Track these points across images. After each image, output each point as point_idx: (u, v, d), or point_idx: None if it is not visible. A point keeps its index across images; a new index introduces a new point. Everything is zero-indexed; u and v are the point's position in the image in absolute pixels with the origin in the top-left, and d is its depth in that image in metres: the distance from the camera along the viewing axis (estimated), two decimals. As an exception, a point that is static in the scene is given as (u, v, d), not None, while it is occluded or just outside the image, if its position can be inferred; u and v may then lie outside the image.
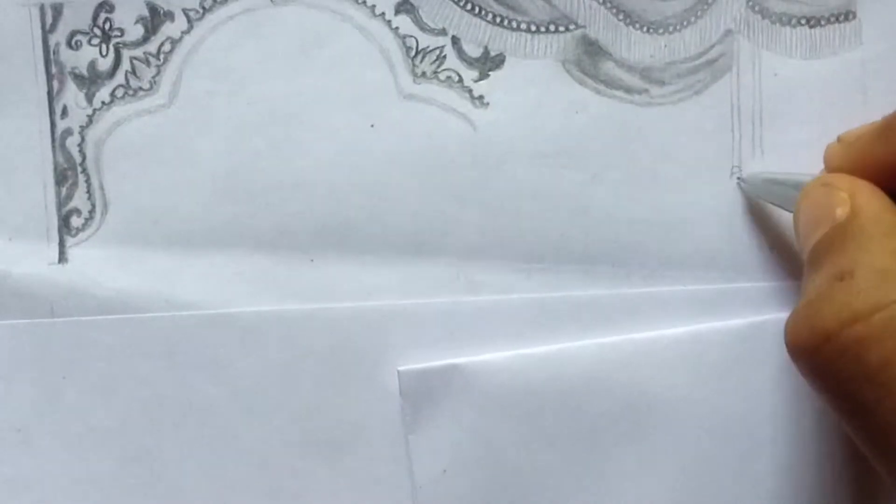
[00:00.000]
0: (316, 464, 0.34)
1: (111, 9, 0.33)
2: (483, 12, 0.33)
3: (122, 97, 0.34)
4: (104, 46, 0.34)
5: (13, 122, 0.34)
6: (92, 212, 0.34)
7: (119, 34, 0.34)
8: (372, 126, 0.33)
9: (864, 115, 0.33)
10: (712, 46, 0.33)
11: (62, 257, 0.34)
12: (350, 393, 0.34)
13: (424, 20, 0.33)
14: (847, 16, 0.33)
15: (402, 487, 0.33)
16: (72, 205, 0.34)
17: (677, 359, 0.33)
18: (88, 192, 0.34)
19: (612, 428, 0.33)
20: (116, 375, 0.34)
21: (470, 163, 0.33)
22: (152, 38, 0.34)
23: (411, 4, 0.33)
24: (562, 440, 0.33)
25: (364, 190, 0.33)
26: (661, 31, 0.33)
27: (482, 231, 0.33)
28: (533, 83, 0.33)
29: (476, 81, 0.33)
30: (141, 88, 0.34)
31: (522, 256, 0.33)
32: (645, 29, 0.33)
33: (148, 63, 0.34)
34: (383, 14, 0.33)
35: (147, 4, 0.33)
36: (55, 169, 0.34)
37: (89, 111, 0.34)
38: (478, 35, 0.33)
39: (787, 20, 0.33)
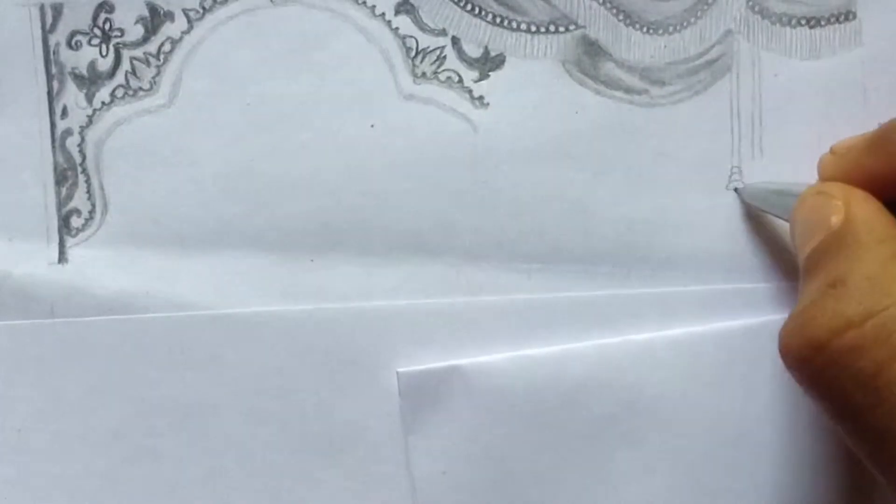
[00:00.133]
0: (315, 464, 0.34)
1: (111, 9, 0.33)
2: (483, 12, 0.33)
3: (122, 97, 0.34)
4: (104, 46, 0.34)
5: (13, 122, 0.34)
6: (92, 212, 0.34)
7: (119, 34, 0.34)
8: (372, 126, 0.33)
9: (864, 115, 0.33)
10: (712, 47, 0.33)
11: (62, 257, 0.34)
12: (350, 393, 0.34)
13: (424, 20, 0.33)
14: (847, 16, 0.33)
15: (402, 488, 0.33)
16: (72, 205, 0.34)
17: (677, 360, 0.33)
18: (88, 192, 0.34)
19: (611, 429, 0.33)
20: (116, 375, 0.34)
21: (470, 163, 0.33)
22: (152, 38, 0.34)
23: (411, 5, 0.33)
24: (561, 441, 0.33)
25: (364, 190, 0.33)
26: (660, 31, 0.33)
27: (482, 231, 0.33)
28: (533, 83, 0.33)
29: (476, 82, 0.33)
30: (141, 88, 0.34)
31: (522, 256, 0.33)
32: (645, 29, 0.33)
33: (148, 63, 0.34)
34: (383, 14, 0.33)
35: (147, 4, 0.33)
36: (55, 169, 0.34)
37: (89, 111, 0.34)
38: (478, 35, 0.33)
39: (787, 20, 0.33)
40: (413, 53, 0.33)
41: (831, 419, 0.26)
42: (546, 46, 0.33)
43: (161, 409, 0.34)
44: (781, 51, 0.33)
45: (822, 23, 0.33)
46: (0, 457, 0.34)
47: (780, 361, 0.32)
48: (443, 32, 0.33)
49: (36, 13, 0.34)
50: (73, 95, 0.34)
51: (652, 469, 0.33)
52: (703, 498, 0.33)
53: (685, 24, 0.33)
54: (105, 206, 0.34)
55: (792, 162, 0.33)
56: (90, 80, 0.34)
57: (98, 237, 0.34)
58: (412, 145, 0.33)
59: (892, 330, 0.24)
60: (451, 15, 0.33)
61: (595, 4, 0.33)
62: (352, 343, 0.33)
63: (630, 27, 0.33)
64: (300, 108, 0.33)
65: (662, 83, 0.33)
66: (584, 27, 0.33)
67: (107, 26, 0.34)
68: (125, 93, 0.34)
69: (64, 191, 0.34)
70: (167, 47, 0.34)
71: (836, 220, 0.27)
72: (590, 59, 0.33)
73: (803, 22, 0.33)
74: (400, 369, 0.33)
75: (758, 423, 0.33)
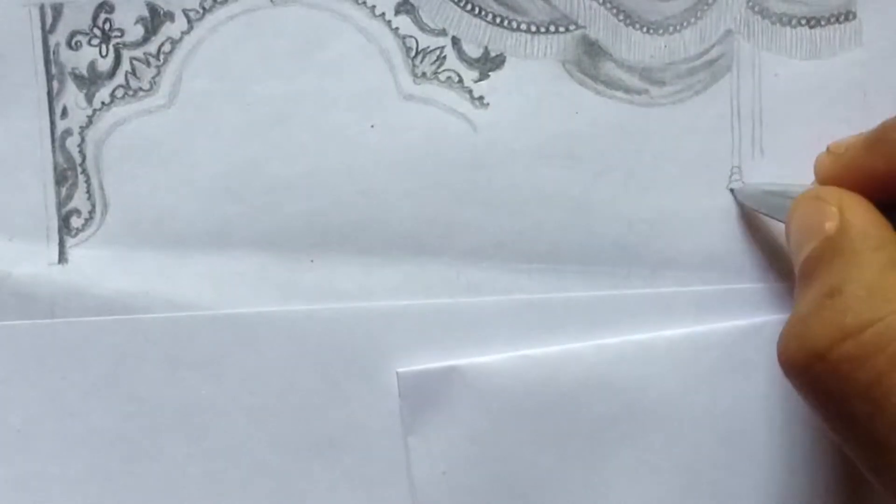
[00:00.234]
0: (314, 464, 0.34)
1: (111, 9, 0.33)
2: (483, 12, 0.33)
3: (122, 97, 0.34)
4: (104, 47, 0.34)
5: (13, 122, 0.34)
6: (92, 212, 0.34)
7: (119, 34, 0.34)
8: (372, 126, 0.33)
9: (864, 115, 0.33)
10: (712, 47, 0.33)
11: (62, 257, 0.34)
12: (349, 393, 0.34)
13: (424, 20, 0.33)
14: (847, 16, 0.33)
15: (401, 489, 0.33)
16: (72, 205, 0.34)
17: (676, 360, 0.33)
18: (88, 192, 0.34)
19: (611, 429, 0.33)
20: (116, 375, 0.34)
21: (470, 163, 0.33)
22: (152, 38, 0.34)
23: (411, 5, 0.33)
24: (561, 441, 0.33)
25: (364, 190, 0.33)
26: (661, 31, 0.33)
27: (482, 231, 0.33)
28: (533, 83, 0.33)
29: (476, 82, 0.33)
30: (141, 89, 0.34)
31: (522, 256, 0.33)
32: (645, 29, 0.33)
33: (148, 63, 0.34)
34: (383, 14, 0.33)
35: (147, 5, 0.33)
36: (55, 169, 0.34)
37: (89, 111, 0.34)
38: (478, 35, 0.33)
39: (787, 20, 0.33)
40: (413, 53, 0.33)
41: (830, 428, 0.26)
42: (546, 46, 0.33)
43: (161, 409, 0.34)
44: (781, 51, 0.33)
45: (822, 23, 0.33)
46: (0, 457, 0.34)
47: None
48: (443, 32, 0.33)
49: (36, 13, 0.34)
50: (73, 95, 0.34)
51: (651, 469, 0.33)
52: (703, 498, 0.33)
53: (685, 24, 0.33)
54: (105, 206, 0.34)
55: (792, 162, 0.33)
56: (90, 81, 0.34)
57: (98, 237, 0.34)
58: (412, 145, 0.33)
59: (891, 339, 0.24)
60: (451, 15, 0.33)
61: (595, 4, 0.33)
62: (352, 343, 0.33)
63: (630, 27, 0.33)
64: (300, 108, 0.33)
65: (662, 83, 0.33)
66: (584, 27, 0.33)
67: (107, 26, 0.34)
68: (125, 93, 0.34)
69: (64, 191, 0.34)
70: (167, 47, 0.34)
71: (830, 226, 0.27)
72: (590, 59, 0.33)
73: (803, 22, 0.33)
74: (400, 369, 0.33)
75: (757, 423, 0.33)
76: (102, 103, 0.34)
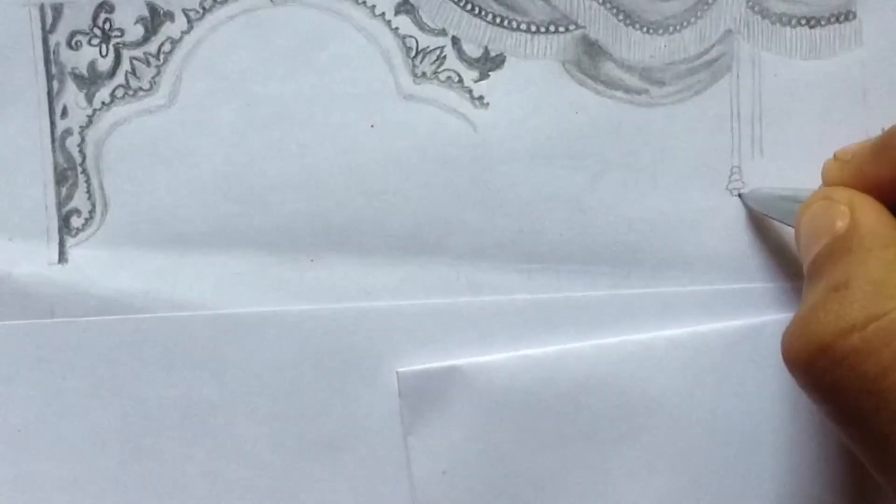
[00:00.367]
0: (315, 464, 0.34)
1: (111, 9, 0.33)
2: (483, 12, 0.33)
3: (122, 97, 0.34)
4: (104, 46, 0.34)
5: (13, 122, 0.34)
6: (92, 212, 0.34)
7: (119, 34, 0.34)
8: (372, 126, 0.33)
9: (863, 114, 0.33)
10: (712, 47, 0.33)
11: (62, 257, 0.34)
12: (350, 393, 0.34)
13: (424, 20, 0.33)
14: (847, 16, 0.33)
15: (402, 488, 0.33)
16: (72, 205, 0.34)
17: (676, 360, 0.33)
18: (88, 192, 0.34)
19: (611, 429, 0.33)
20: (116, 375, 0.34)
21: (470, 163, 0.33)
22: (152, 38, 0.34)
23: (411, 4, 0.33)
24: (561, 441, 0.33)
25: (364, 190, 0.33)
26: (660, 31, 0.33)
27: (482, 231, 0.33)
28: (533, 83, 0.33)
29: (476, 82, 0.33)
30: (141, 89, 0.34)
31: (522, 256, 0.33)
32: (645, 29, 0.33)
33: (148, 63, 0.34)
34: (383, 14, 0.33)
35: (147, 4, 0.33)
36: (55, 169, 0.34)
37: (89, 111, 0.34)
38: (478, 35, 0.33)
39: (787, 20, 0.33)
40: (413, 53, 0.33)
41: (834, 423, 0.26)
42: (546, 46, 0.33)
43: (161, 409, 0.34)
44: (781, 51, 0.33)
45: (822, 23, 0.33)
46: (0, 457, 0.34)
47: (779, 361, 0.32)
48: (443, 32, 0.33)
49: (36, 13, 0.34)
50: (73, 95, 0.34)
51: (651, 469, 0.33)
52: (703, 497, 0.33)
53: (685, 23, 0.33)
54: (105, 206, 0.34)
55: (792, 161, 0.33)
56: (90, 80, 0.34)
57: (98, 237, 0.34)
58: (412, 145, 0.33)
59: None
60: (451, 15, 0.33)
61: (595, 4, 0.33)
62: (352, 343, 0.33)
63: (630, 27, 0.33)
64: (300, 108, 0.33)
65: (662, 83, 0.33)
66: (584, 27, 0.33)
67: (107, 26, 0.34)
68: (125, 93, 0.34)
69: (64, 191, 0.34)
70: (167, 47, 0.34)
71: (841, 224, 0.27)
72: (590, 59, 0.33)
73: (803, 22, 0.33)
74: (400, 369, 0.33)
75: (757, 423, 0.33)
76: (102, 103, 0.34)
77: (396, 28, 0.33)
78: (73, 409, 0.34)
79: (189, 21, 0.33)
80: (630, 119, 0.33)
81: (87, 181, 0.34)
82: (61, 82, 0.34)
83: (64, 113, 0.34)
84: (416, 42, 0.33)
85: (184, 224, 0.34)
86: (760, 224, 0.33)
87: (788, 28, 0.33)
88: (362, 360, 0.33)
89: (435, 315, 0.33)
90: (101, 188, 0.34)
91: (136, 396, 0.34)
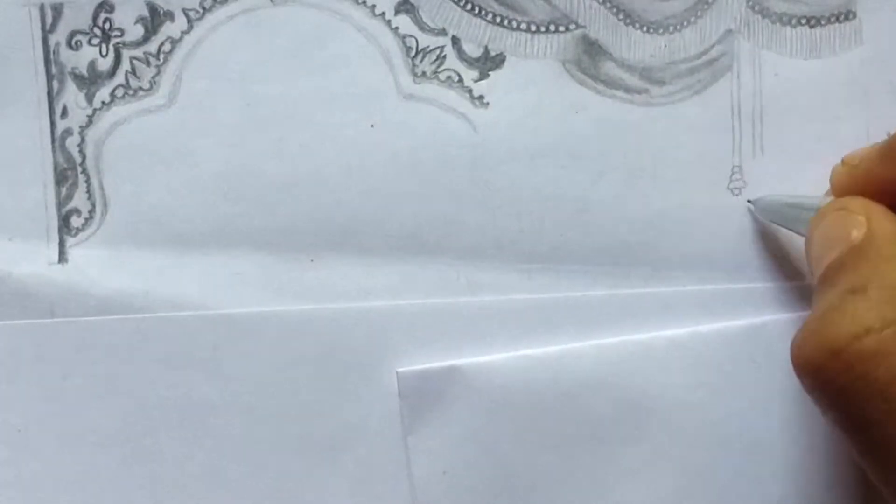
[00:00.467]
0: (315, 464, 0.34)
1: (111, 9, 0.33)
2: (483, 12, 0.33)
3: (122, 97, 0.34)
4: (104, 46, 0.34)
5: (13, 122, 0.34)
6: (92, 212, 0.34)
7: (119, 34, 0.34)
8: (372, 126, 0.33)
9: (864, 114, 0.33)
10: (712, 46, 0.33)
11: (62, 257, 0.34)
12: (349, 393, 0.34)
13: (424, 20, 0.33)
14: (847, 16, 0.33)
15: (402, 488, 0.33)
16: (72, 205, 0.34)
17: (677, 360, 0.33)
18: (88, 192, 0.34)
19: (611, 429, 0.33)
20: (116, 375, 0.34)
21: (470, 163, 0.33)
22: (152, 38, 0.34)
23: (411, 4, 0.33)
24: (561, 441, 0.33)
25: (364, 190, 0.33)
26: (661, 31, 0.33)
27: (482, 231, 0.33)
28: (533, 83, 0.33)
29: (476, 81, 0.33)
30: (141, 88, 0.34)
31: (522, 256, 0.33)
32: (645, 29, 0.33)
33: (148, 63, 0.34)
34: (383, 14, 0.33)
35: (147, 4, 0.33)
36: (55, 169, 0.34)
37: (89, 111, 0.34)
38: (478, 35, 0.33)
39: (787, 20, 0.33)
40: (413, 53, 0.33)
41: (840, 429, 0.25)
42: (546, 46, 0.33)
43: (161, 409, 0.34)
44: (782, 50, 0.33)
45: (823, 22, 0.33)
46: (0, 457, 0.34)
47: (780, 362, 0.32)
48: (443, 32, 0.33)
49: (36, 13, 0.34)
50: (73, 95, 0.34)
51: (652, 469, 0.33)
52: (703, 497, 0.33)
53: (685, 23, 0.33)
54: (105, 205, 0.34)
55: (792, 161, 0.33)
56: (90, 80, 0.34)
57: (98, 237, 0.34)
58: (412, 145, 0.33)
59: None
60: (451, 14, 0.33)
61: (595, 4, 0.33)
62: (352, 343, 0.33)
63: (630, 27, 0.33)
64: (300, 108, 0.33)
65: (663, 83, 0.33)
66: (584, 27, 0.33)
67: (107, 26, 0.34)
68: (125, 93, 0.34)
69: (64, 191, 0.34)
70: (167, 47, 0.34)
71: (857, 234, 0.27)
72: (590, 58, 0.33)
73: (803, 21, 0.33)
74: (399, 369, 0.33)
75: (758, 423, 0.33)
76: (102, 103, 0.34)
77: (396, 28, 0.33)
78: (73, 409, 0.34)
79: (189, 21, 0.33)
80: (630, 119, 0.33)
81: (87, 181, 0.34)
82: (61, 82, 0.34)
83: (64, 113, 0.34)
84: (416, 42, 0.33)
85: (184, 224, 0.34)
86: (761, 224, 0.33)
87: (789, 28, 0.33)
88: (362, 360, 0.33)
89: (435, 315, 0.33)
90: (101, 188, 0.34)
91: (136, 396, 0.34)
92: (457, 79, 0.33)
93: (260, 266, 0.34)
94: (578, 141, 0.33)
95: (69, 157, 0.34)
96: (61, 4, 0.33)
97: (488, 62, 0.33)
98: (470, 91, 0.33)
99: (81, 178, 0.34)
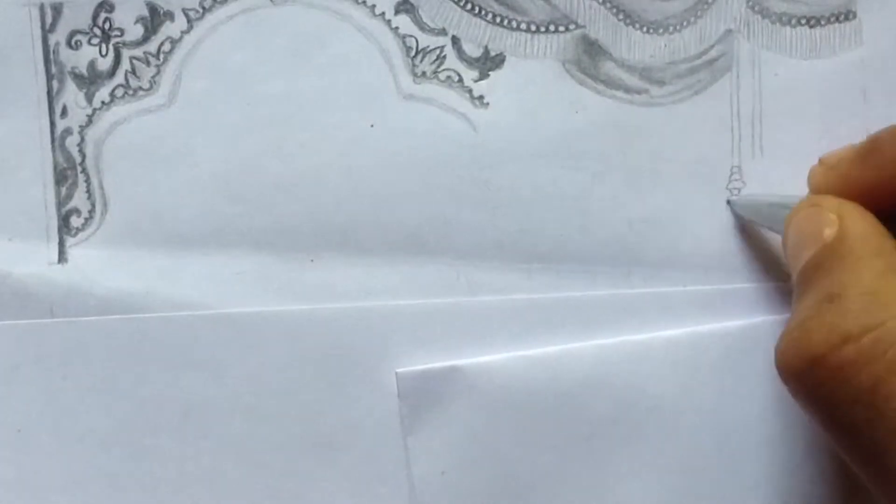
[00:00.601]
0: (314, 464, 0.34)
1: (111, 9, 0.33)
2: (483, 12, 0.33)
3: (122, 97, 0.34)
4: (104, 46, 0.34)
5: (13, 122, 0.34)
6: (92, 212, 0.34)
7: (119, 34, 0.34)
8: (372, 126, 0.33)
9: (863, 114, 0.33)
10: (712, 46, 0.33)
11: (62, 257, 0.34)
12: (349, 393, 0.34)
13: (424, 20, 0.33)
14: (847, 16, 0.33)
15: (401, 489, 0.33)
16: (72, 205, 0.34)
17: (676, 360, 0.33)
18: (88, 191, 0.34)
19: (611, 429, 0.33)
20: (116, 375, 0.34)
21: (470, 163, 0.33)
22: (152, 37, 0.34)
23: (411, 4, 0.33)
24: (561, 442, 0.33)
25: (364, 190, 0.33)
26: (661, 31, 0.33)
27: (482, 231, 0.33)
28: (533, 83, 0.33)
29: (476, 81, 0.33)
30: (141, 88, 0.34)
31: (522, 256, 0.33)
32: (645, 29, 0.33)
33: (148, 63, 0.34)
34: (383, 14, 0.33)
35: (147, 4, 0.33)
36: (55, 169, 0.34)
37: (89, 111, 0.34)
38: (478, 35, 0.33)
39: (787, 20, 0.33)
40: (413, 53, 0.33)
41: (827, 434, 0.25)
42: (546, 46, 0.33)
43: (161, 409, 0.34)
44: (781, 50, 0.33)
45: (822, 22, 0.33)
46: (0, 457, 0.34)
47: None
48: (443, 32, 0.33)
49: (36, 13, 0.33)
50: (72, 95, 0.34)
51: (651, 469, 0.33)
52: (701, 498, 0.33)
53: (685, 23, 0.33)
54: (105, 205, 0.34)
55: (792, 161, 0.33)
56: (90, 80, 0.34)
57: (98, 237, 0.34)
58: (412, 145, 0.33)
59: (890, 344, 0.24)
60: (451, 14, 0.33)
61: (595, 4, 0.33)
62: (352, 343, 0.33)
63: (630, 27, 0.33)
64: (300, 108, 0.33)
65: (662, 83, 0.33)
66: (584, 27, 0.33)
67: (107, 26, 0.34)
68: (125, 92, 0.34)
69: (64, 190, 0.34)
70: (167, 47, 0.34)
71: (829, 232, 0.27)
72: (590, 58, 0.33)
73: (803, 21, 0.33)
74: (399, 370, 0.33)
75: (757, 423, 0.33)
76: (102, 103, 0.34)
77: (396, 28, 0.33)
78: (73, 409, 0.34)
79: (189, 21, 0.33)
80: (630, 119, 0.33)
81: (87, 181, 0.34)
82: (61, 82, 0.34)
83: (64, 112, 0.34)
84: (416, 42, 0.33)
85: (184, 224, 0.34)
86: (753, 227, 0.33)
87: (788, 28, 0.33)
88: (362, 360, 0.33)
89: (435, 315, 0.33)
90: (101, 188, 0.34)
91: (136, 396, 0.34)
92: (457, 79, 0.33)
93: (260, 266, 0.34)
94: (578, 141, 0.33)
95: (69, 157, 0.34)
96: (61, 4, 0.33)
97: (488, 62, 0.33)
98: (470, 91, 0.33)
99: (81, 177, 0.34)
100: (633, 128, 0.33)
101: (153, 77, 0.34)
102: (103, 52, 0.34)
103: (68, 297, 0.34)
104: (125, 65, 0.34)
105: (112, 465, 0.34)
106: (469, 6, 0.33)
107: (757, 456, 0.33)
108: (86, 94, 0.34)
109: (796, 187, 0.32)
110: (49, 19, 0.34)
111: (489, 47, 0.33)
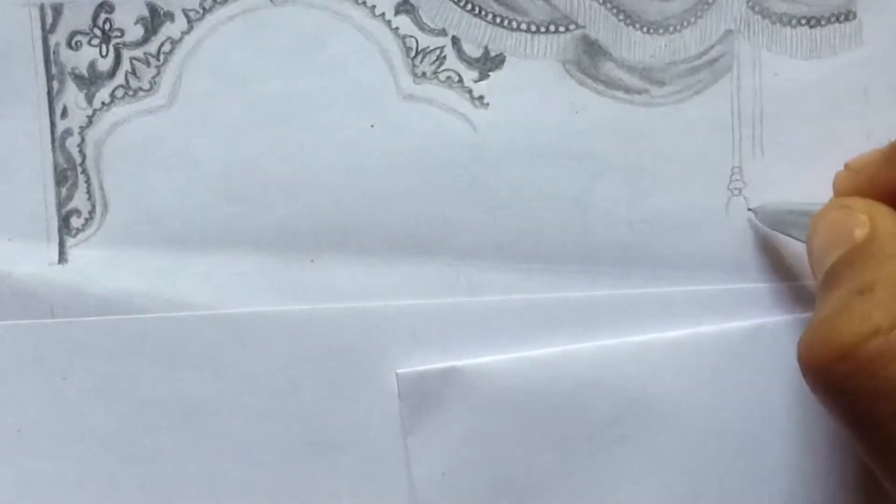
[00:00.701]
0: (314, 465, 0.34)
1: (111, 9, 0.34)
2: (483, 12, 0.33)
3: (122, 97, 0.34)
4: (104, 47, 0.34)
5: (13, 123, 0.34)
6: (92, 212, 0.34)
7: (119, 34, 0.34)
8: (372, 126, 0.33)
9: (864, 114, 0.33)
10: (712, 46, 0.33)
11: (62, 257, 0.34)
12: (349, 394, 0.34)
13: (424, 20, 0.33)
14: (847, 16, 0.33)
15: (401, 490, 0.33)
16: (72, 205, 0.34)
17: (677, 361, 0.33)
18: (88, 192, 0.34)
19: (611, 430, 0.33)
20: (116, 375, 0.34)
21: (470, 163, 0.33)
22: (152, 38, 0.34)
23: (411, 4, 0.33)
24: (561, 443, 0.33)
25: (364, 190, 0.33)
26: (661, 31, 0.33)
27: (482, 231, 0.33)
28: (533, 83, 0.33)
29: (476, 82, 0.33)
30: (141, 89, 0.34)
31: (522, 256, 0.33)
32: (645, 29, 0.33)
33: (148, 63, 0.34)
34: (383, 14, 0.33)
35: (147, 5, 0.34)
36: (55, 169, 0.34)
37: (89, 111, 0.34)
38: (478, 35, 0.33)
39: (787, 20, 0.33)
40: (413, 53, 0.33)
41: (848, 430, 0.25)
42: (546, 46, 0.33)
43: (161, 409, 0.34)
44: (782, 50, 0.33)
45: (823, 22, 0.33)
46: (0, 457, 0.34)
47: (780, 363, 0.32)
48: (443, 32, 0.33)
49: (36, 13, 0.34)
50: (73, 95, 0.34)
51: (651, 470, 0.33)
52: (703, 498, 0.33)
53: (685, 23, 0.33)
54: (105, 206, 0.34)
55: (793, 161, 0.33)
56: (90, 81, 0.34)
57: (98, 237, 0.34)
58: (412, 145, 0.33)
59: None
60: (451, 15, 0.33)
61: (595, 4, 0.33)
62: (352, 343, 0.33)
63: (630, 27, 0.33)
64: (300, 108, 0.33)
65: (662, 83, 0.33)
66: (584, 27, 0.33)
67: (107, 26, 0.34)
68: (125, 93, 0.34)
69: (64, 191, 0.34)
70: (167, 47, 0.34)
71: (860, 232, 0.26)
72: (590, 59, 0.33)
73: (803, 22, 0.33)
74: (399, 370, 0.33)
75: (757, 424, 0.33)
76: (102, 103, 0.34)
77: (396, 28, 0.33)
78: (73, 409, 0.34)
79: (189, 21, 0.33)
80: (630, 119, 0.33)
81: (87, 181, 0.34)
82: (61, 82, 0.34)
83: (64, 113, 0.34)
84: (416, 42, 0.33)
85: (184, 224, 0.34)
86: (762, 231, 0.33)
87: (789, 28, 0.33)
88: (362, 360, 0.33)
89: (435, 315, 0.33)
90: (101, 188, 0.34)
91: (136, 396, 0.34)
92: (457, 79, 0.33)
93: (260, 266, 0.34)
94: (578, 141, 0.33)
95: (69, 158, 0.34)
96: (61, 4, 0.34)
97: (488, 62, 0.33)
98: (470, 91, 0.33)
99: (81, 178, 0.34)
100: (634, 128, 0.33)
101: (153, 78, 0.34)
102: (103, 53, 0.34)
103: (68, 298, 0.34)
104: (125, 65, 0.34)
105: (112, 465, 0.34)
106: (469, 6, 0.33)
107: (757, 456, 0.33)
108: (86, 94, 0.34)
109: (797, 187, 0.32)
110: (49, 20, 0.34)
111: (489, 48, 0.33)
